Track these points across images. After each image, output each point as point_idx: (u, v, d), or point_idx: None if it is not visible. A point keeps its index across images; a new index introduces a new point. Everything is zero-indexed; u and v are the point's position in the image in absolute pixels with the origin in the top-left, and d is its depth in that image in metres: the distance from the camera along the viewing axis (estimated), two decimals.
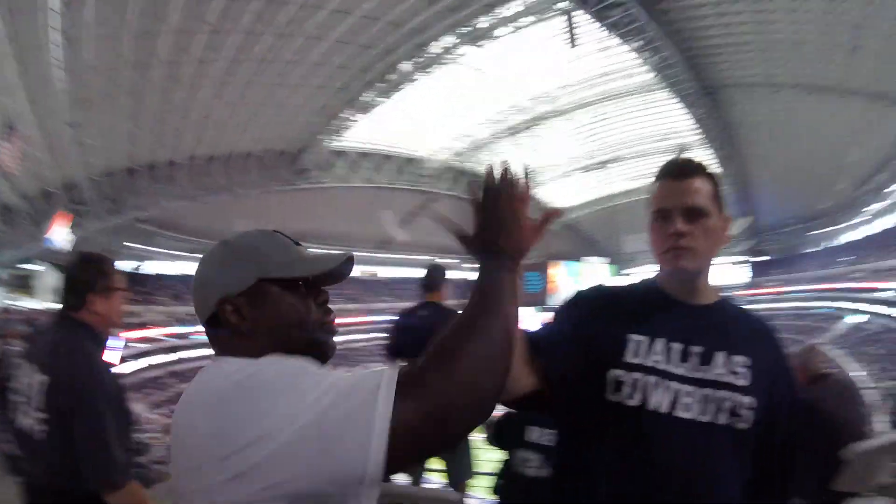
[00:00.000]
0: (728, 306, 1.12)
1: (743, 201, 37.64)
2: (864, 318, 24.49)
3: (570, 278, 28.81)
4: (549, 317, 1.14)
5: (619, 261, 37.31)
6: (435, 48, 21.49)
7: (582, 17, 20.91)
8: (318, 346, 0.80)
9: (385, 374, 0.66)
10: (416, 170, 30.14)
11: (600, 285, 1.16)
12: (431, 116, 26.22)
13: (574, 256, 32.33)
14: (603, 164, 32.69)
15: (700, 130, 31.08)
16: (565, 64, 24.82)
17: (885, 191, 26.95)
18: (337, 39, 18.48)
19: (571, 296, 1.16)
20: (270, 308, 0.78)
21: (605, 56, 24.72)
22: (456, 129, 28.23)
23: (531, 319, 1.15)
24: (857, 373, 18.03)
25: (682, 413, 0.98)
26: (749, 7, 21.43)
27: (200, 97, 18.66)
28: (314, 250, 0.88)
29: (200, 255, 0.84)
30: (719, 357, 1.01)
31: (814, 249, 37.04)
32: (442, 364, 0.68)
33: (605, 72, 26.08)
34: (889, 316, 22.38)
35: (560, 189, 32.97)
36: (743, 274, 43.03)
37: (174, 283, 23.41)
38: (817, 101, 24.34)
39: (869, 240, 29.53)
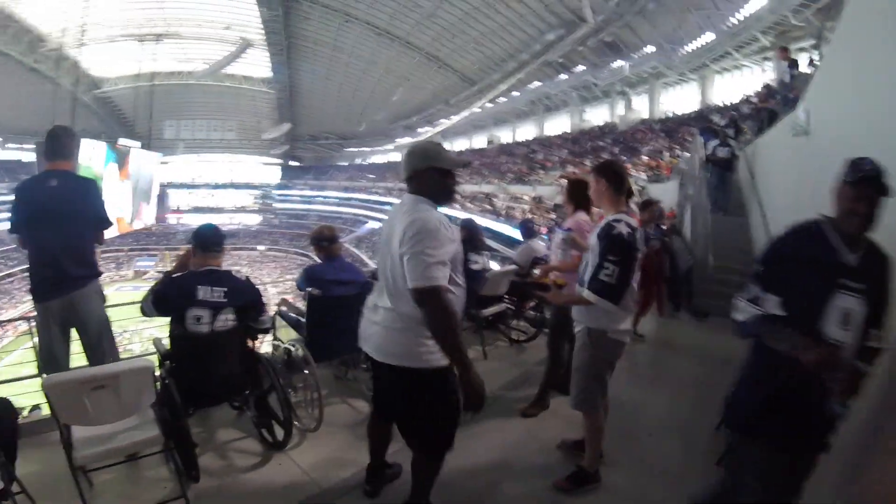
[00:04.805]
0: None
1: (284, 108, 39.68)
2: (378, 224, 31.71)
3: (105, 161, 22.94)
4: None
5: (154, 146, 32.17)
6: None
7: None
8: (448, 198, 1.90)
9: None
10: None
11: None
12: None
13: (109, 137, 26.24)
14: (158, 38, 26.78)
15: (264, 31, 30.22)
16: None
17: (416, 130, 34.58)
18: None
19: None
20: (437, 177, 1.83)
21: None
22: None
23: None
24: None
25: None
26: None
27: None
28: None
29: None
30: None
31: (344, 163, 43.55)
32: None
33: None
34: None
35: (102, 55, 24.94)
36: (275, 174, 46.24)
37: None
38: (382, 43, 27.96)
39: (389, 165, 37.70)
